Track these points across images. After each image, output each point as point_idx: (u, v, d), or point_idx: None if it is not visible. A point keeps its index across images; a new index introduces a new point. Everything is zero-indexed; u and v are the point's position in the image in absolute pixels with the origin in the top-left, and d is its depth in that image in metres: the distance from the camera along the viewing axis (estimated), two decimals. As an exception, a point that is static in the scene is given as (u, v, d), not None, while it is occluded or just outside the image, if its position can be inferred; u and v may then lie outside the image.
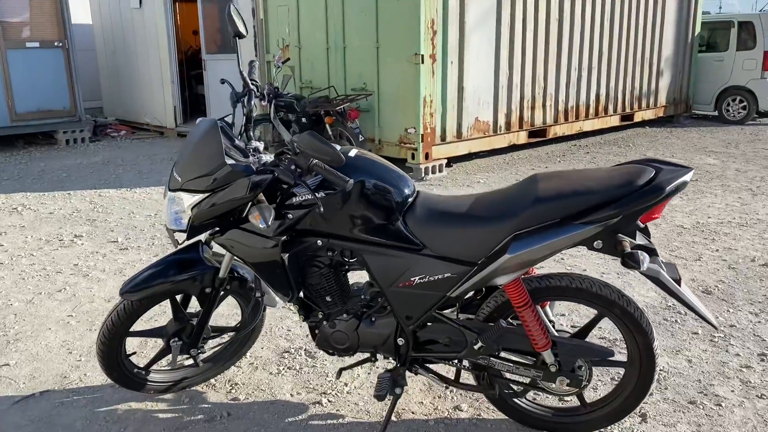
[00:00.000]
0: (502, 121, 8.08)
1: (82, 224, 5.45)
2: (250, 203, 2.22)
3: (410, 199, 2.28)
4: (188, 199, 2.23)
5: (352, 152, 2.30)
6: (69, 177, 7.47)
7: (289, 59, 7.86)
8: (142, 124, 11.54)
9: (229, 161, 2.15)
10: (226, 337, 2.84)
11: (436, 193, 2.42)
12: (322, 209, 2.08)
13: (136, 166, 8.08)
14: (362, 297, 2.43)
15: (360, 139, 7.15)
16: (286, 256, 2.27)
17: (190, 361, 2.72)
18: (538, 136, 8.64)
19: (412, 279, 2.23)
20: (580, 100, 9.19)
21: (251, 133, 2.41)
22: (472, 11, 7.34)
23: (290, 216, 2.21)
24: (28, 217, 5.68)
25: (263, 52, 8.94)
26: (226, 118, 2.42)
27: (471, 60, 7.48)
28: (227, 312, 3.57)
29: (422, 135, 7.08)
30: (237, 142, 2.31)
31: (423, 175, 7.11)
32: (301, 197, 2.20)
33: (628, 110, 10.20)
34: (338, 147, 2.30)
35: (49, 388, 2.87)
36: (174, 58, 10.43)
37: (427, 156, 7.17)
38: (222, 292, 2.55)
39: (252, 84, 2.45)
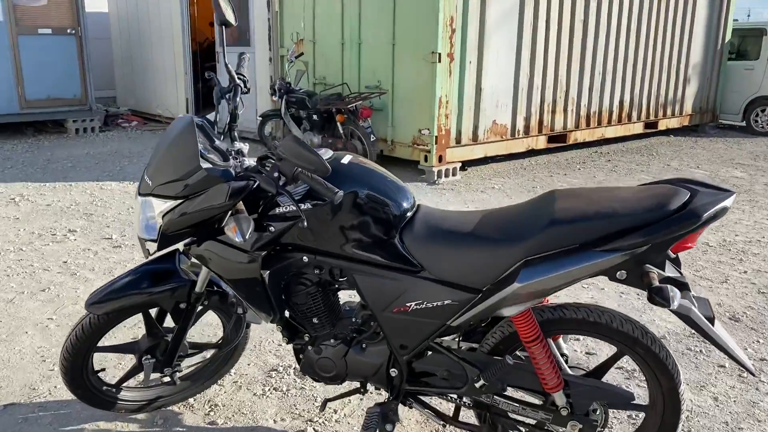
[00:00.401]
0: (520, 124, 7.79)
1: (78, 218, 5.25)
2: (228, 213, 1.98)
3: (409, 214, 2.03)
4: (159, 206, 1.99)
5: (346, 159, 2.05)
6: (74, 167, 7.29)
7: (302, 54, 7.63)
8: (154, 115, 11.38)
9: (205, 165, 1.91)
10: (207, 354, 2.61)
11: (439, 208, 2.16)
12: (306, 223, 1.83)
13: (143, 159, 7.89)
14: (353, 320, 2.18)
15: (372, 139, 6.90)
16: (266, 273, 2.02)
17: (167, 378, 2.48)
18: (558, 142, 8.33)
19: (408, 304, 1.97)
20: (603, 106, 8.87)
21: (235, 133, 2.16)
22: (494, 9, 7.06)
23: (272, 229, 1.97)
24: (24, 209, 5.50)
25: (277, 46, 8.72)
26: (208, 116, 2.18)
27: (490, 60, 7.19)
28: (213, 321, 3.33)
29: (436, 137, 6.81)
30: (217, 143, 2.07)
31: (436, 178, 6.85)
32: (285, 208, 1.96)
33: (652, 117, 9.85)
34: (329, 153, 2.05)
35: (14, 401, 2.65)
36: (188, 49, 10.24)
37: (440, 159, 6.90)
38: (200, 308, 2.32)
39: (239, 79, 2.20)
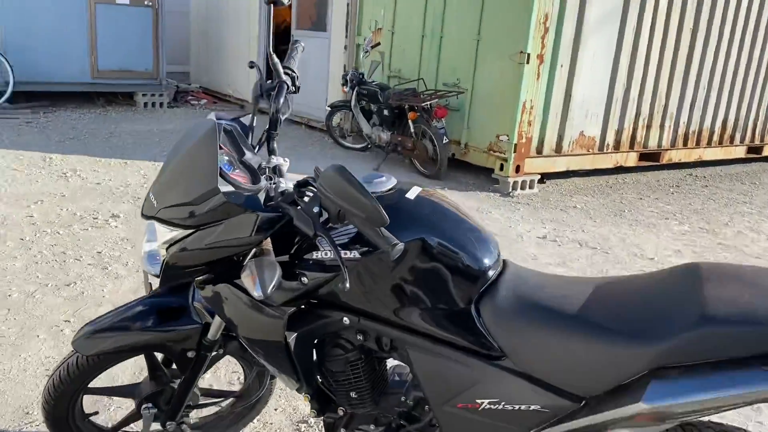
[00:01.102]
0: (610, 138, 7.06)
1: (124, 201, 4.93)
2: (251, 252, 1.50)
3: (491, 274, 1.50)
4: (163, 233, 1.53)
5: (413, 192, 1.54)
6: (134, 143, 7.05)
7: (379, 44, 7.12)
8: (225, 95, 11.15)
9: (225, 187, 1.43)
10: (223, 404, 2.15)
11: (534, 270, 1.62)
12: (347, 285, 1.32)
13: (205, 141, 7.59)
14: (402, 399, 1.67)
15: (444, 141, 6.35)
16: (293, 336, 1.53)
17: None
18: (650, 160, 7.54)
19: (479, 401, 1.44)
20: (703, 124, 8.00)
21: (274, 144, 1.67)
22: (594, 9, 6.35)
23: (305, 280, 1.47)
24: (73, 185, 5.23)
25: (354, 34, 8.25)
26: (243, 119, 1.71)
27: (584, 65, 6.50)
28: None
29: (516, 144, 6.20)
30: (249, 156, 1.59)
31: (510, 189, 6.24)
32: (326, 254, 1.46)
33: (757, 142, 8.88)
34: (391, 181, 1.54)
35: (1, 426, 2.27)
36: (263, 31, 9.92)
37: (518, 169, 6.28)
38: (214, 353, 1.85)
39: (286, 73, 1.71)
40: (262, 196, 1.51)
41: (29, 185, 5.13)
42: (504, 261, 1.58)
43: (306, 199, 1.46)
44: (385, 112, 6.85)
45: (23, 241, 3.94)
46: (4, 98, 8.21)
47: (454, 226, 1.50)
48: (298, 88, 1.75)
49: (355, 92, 7.15)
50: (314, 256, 1.47)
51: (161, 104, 9.83)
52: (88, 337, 1.74)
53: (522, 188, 6.34)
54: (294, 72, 1.75)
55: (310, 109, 9.04)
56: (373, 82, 7.10)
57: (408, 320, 1.47)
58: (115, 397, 2.38)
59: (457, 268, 1.44)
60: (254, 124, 1.69)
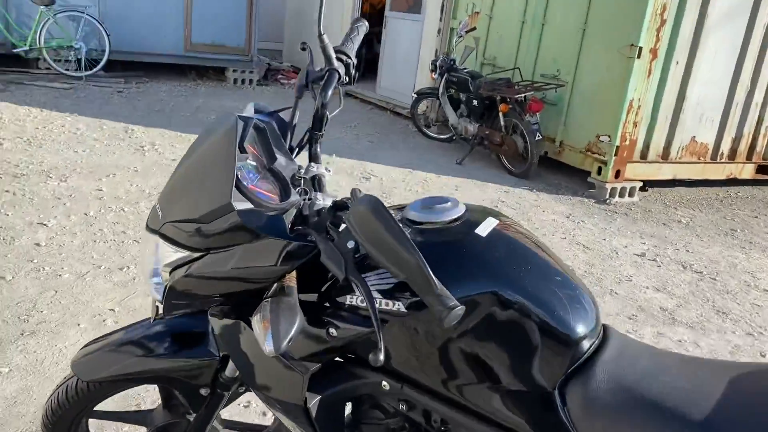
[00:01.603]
0: (726, 146, 6.33)
1: (195, 181, 4.78)
2: (272, 286, 1.17)
3: (587, 349, 1.10)
4: (167, 253, 1.23)
5: (486, 225, 1.16)
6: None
7: (474, 29, 6.67)
8: (314, 75, 10.97)
9: (242, 205, 1.10)
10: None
11: (645, 343, 1.20)
12: (380, 357, 0.96)
13: (287, 121, 7.42)
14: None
15: (536, 138, 5.85)
16: (316, 400, 1.20)
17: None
18: (768, 174, 6.74)
19: None
20: (836, 136, 7.07)
21: (317, 149, 1.33)
22: (720, 2, 5.64)
23: (333, 332, 1.13)
24: (148, 160, 5.14)
25: (449, 17, 7.81)
26: (282, 113, 1.38)
27: (703, 63, 5.80)
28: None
29: (618, 147, 5.62)
30: (281, 161, 1.25)
31: (607, 196, 5.67)
32: (361, 301, 1.11)
33: None
34: (457, 208, 1.18)
35: (23, 428, 2.08)
36: (357, 10, 9.64)
37: (617, 174, 5.71)
38: (231, 391, 1.55)
39: (339, 59, 1.37)
40: (290, 216, 1.18)
41: (105, 157, 5.07)
42: (604, 328, 1.18)
43: (342, 227, 1.12)
44: (475, 102, 6.41)
45: (86, 217, 3.83)
46: (99, 66, 8.34)
47: (540, 276, 1.12)
48: (355, 77, 1.41)
49: (444, 79, 6.74)
50: (348, 301, 1.13)
51: (251, 81, 9.76)
52: (88, 359, 1.47)
53: (620, 196, 5.76)
54: (350, 58, 1.40)
55: (396, 94, 8.69)
56: (465, 69, 6.67)
57: (466, 398, 1.10)
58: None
59: (540, 337, 1.06)
60: (295, 121, 1.36)
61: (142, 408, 2.13)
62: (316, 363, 1.17)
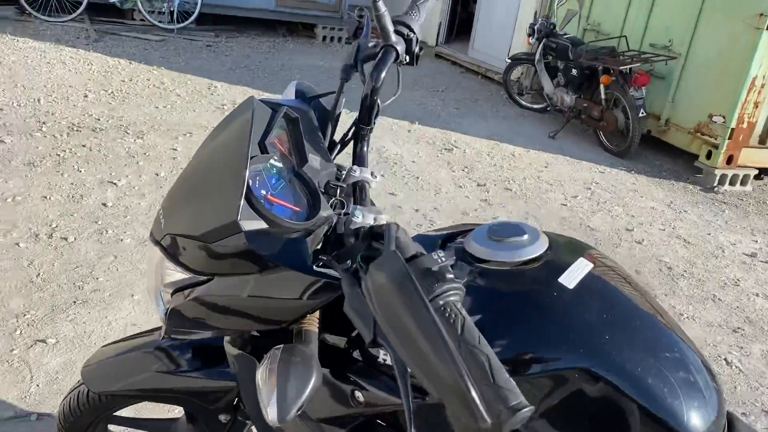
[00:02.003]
0: None
1: (270, 144, 4.62)
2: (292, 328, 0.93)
3: None
4: (169, 271, 1.01)
5: (575, 270, 0.88)
6: (300, 79, 6.75)
7: (579, -10, 6.12)
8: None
9: (252, 223, 0.85)
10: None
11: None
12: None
13: (373, 83, 7.15)
14: None
15: (640, 114, 5.32)
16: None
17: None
18: None
19: None
20: None
21: (365, 146, 1.07)
22: None
23: (360, 396, 0.89)
24: (226, 120, 5.02)
25: (552, -24, 7.22)
26: (323, 98, 1.12)
27: None
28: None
29: (733, 129, 5.02)
30: (317, 161, 1.00)
31: (716, 183, 5.10)
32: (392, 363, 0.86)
33: None
34: (539, 244, 0.89)
35: (56, 408, 1.99)
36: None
37: (730, 160, 5.12)
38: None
39: (398, 33, 1.09)
40: (319, 237, 0.93)
41: (185, 114, 5.00)
42: (729, 420, 0.87)
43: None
44: (574, 71, 5.90)
45: (157, 178, 3.74)
46: (191, 19, 8.32)
47: (646, 348, 0.82)
48: (417, 56, 1.12)
49: (541, 45, 6.24)
50: (382, 357, 0.87)
51: (339, 39, 9.52)
52: (99, 368, 1.30)
53: (731, 184, 5.17)
54: (412, 32, 1.12)
55: (489, 58, 8.22)
56: (565, 35, 6.14)
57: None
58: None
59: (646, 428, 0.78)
60: (339, 111, 1.09)
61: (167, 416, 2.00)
62: (337, 428, 0.93)
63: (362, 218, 0.94)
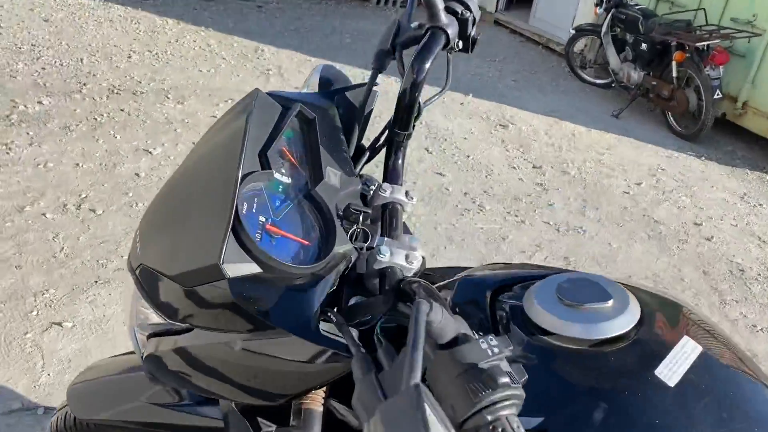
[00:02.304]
0: None
1: (315, 115, 4.40)
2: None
3: None
4: (144, 310, 0.81)
5: (676, 359, 0.62)
6: (351, 44, 6.52)
7: (655, -44, 5.63)
8: None
9: (241, 267, 0.63)
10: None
11: None
12: None
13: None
14: None
15: (715, 95, 4.87)
16: None
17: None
18: None
19: None
20: None
21: (400, 158, 0.83)
22: None
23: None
24: (272, 86, 4.82)
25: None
26: (349, 92, 0.88)
27: None
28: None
29: (820, 116, 4.55)
30: (336, 174, 0.77)
31: (795, 176, 4.67)
32: None
33: None
34: (629, 313, 0.64)
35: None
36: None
37: (813, 149, 4.66)
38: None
39: (450, 11, 0.84)
40: (331, 280, 0.71)
41: (228, 79, 4.82)
42: None
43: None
44: (644, 45, 5.46)
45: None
46: (243, -21, 8.10)
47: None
48: (473, 42, 0.87)
49: (609, 16, 5.79)
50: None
51: (395, 2, 9.16)
52: (85, 391, 1.13)
53: (813, 177, 4.72)
54: (469, 10, 0.86)
55: (552, 27, 7.76)
56: (636, 5, 5.68)
57: None
58: None
59: None
60: (371, 107, 0.86)
61: None
62: None
63: (389, 256, 0.71)
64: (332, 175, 0.77)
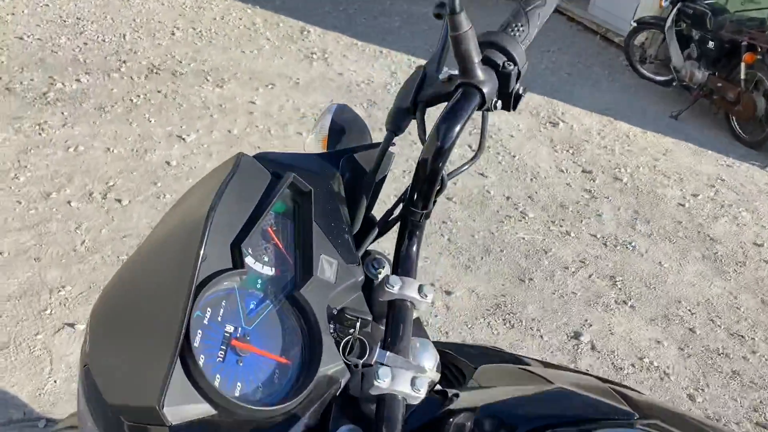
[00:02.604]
0: None
1: (357, 105, 4.24)
2: None
3: None
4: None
5: None
6: (400, 27, 6.29)
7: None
8: None
9: (184, 413, 0.49)
10: None
11: None
12: None
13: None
14: None
15: (788, 102, 4.53)
16: None
17: None
18: None
19: None
20: None
21: (414, 244, 0.67)
22: None
23: None
24: (314, 71, 4.67)
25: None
26: (364, 155, 0.72)
27: None
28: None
29: None
30: (331, 265, 0.62)
31: None
32: None
33: None
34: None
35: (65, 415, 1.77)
36: None
37: None
38: None
39: (488, 63, 0.67)
40: (314, 415, 0.56)
41: (270, 62, 4.69)
42: None
43: None
44: (711, 43, 5.11)
45: (228, 135, 3.47)
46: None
47: None
48: (517, 97, 0.70)
49: (675, 9, 5.44)
50: None
51: (448, -17, 8.86)
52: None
53: None
54: (512, 62, 0.69)
55: (612, 17, 7.38)
56: (705, 0, 5.32)
57: None
58: None
59: None
60: (384, 173, 0.70)
61: None
62: None
63: (390, 380, 0.56)
64: (326, 266, 0.62)
